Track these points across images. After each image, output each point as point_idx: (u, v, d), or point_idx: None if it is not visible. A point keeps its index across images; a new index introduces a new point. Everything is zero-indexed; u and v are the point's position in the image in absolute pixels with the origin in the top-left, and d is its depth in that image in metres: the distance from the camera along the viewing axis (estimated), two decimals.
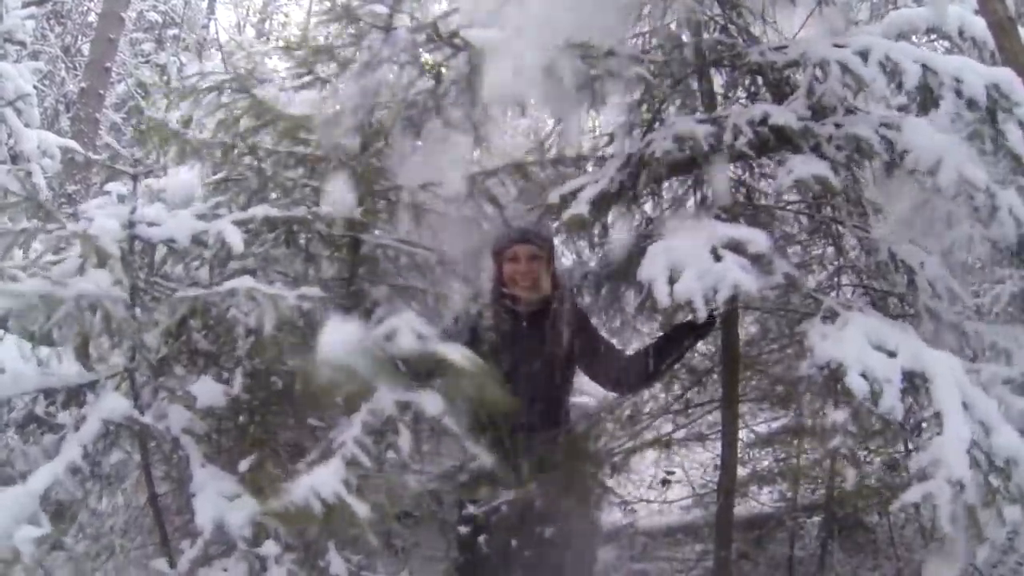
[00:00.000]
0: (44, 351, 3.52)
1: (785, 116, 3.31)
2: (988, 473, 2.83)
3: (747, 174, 4.20)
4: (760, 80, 3.90)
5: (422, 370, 2.78)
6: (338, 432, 2.81)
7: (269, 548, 2.89)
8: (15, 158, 7.20)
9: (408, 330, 2.73)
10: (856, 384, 2.93)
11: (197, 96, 3.62)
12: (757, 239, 3.11)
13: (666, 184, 4.09)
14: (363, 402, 2.79)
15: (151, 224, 3.12)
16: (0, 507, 2.73)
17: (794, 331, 4.00)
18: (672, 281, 3.00)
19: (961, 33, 3.85)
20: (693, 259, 3.02)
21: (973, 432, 2.85)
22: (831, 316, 3.26)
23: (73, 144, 7.78)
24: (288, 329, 3.02)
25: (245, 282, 2.98)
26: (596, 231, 4.12)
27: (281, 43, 4.92)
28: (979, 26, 3.92)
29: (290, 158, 3.66)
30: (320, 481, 2.63)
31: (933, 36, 4.42)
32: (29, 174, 6.92)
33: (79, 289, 2.84)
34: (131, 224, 3.10)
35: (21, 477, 3.27)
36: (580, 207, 3.40)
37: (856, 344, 3.06)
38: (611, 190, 3.49)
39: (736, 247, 3.09)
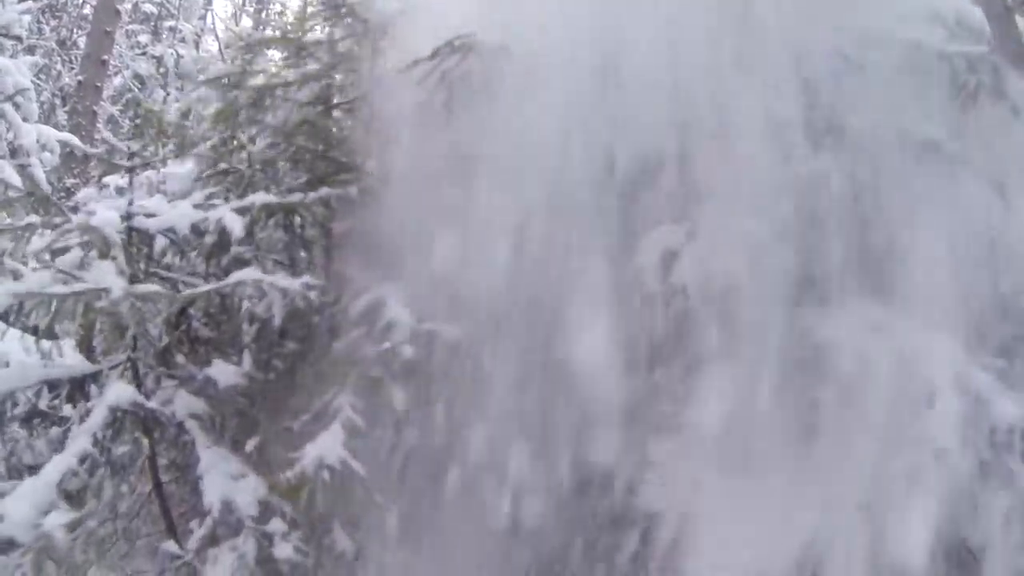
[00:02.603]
0: (46, 344, 3.56)
1: (787, 109, 3.35)
2: (982, 448, 2.87)
3: None
4: None
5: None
6: (331, 396, 2.91)
7: (276, 525, 2.96)
8: (14, 152, 7.21)
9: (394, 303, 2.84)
10: (848, 363, 2.98)
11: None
12: (751, 229, 3.15)
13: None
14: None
15: (149, 215, 3.17)
16: (20, 499, 2.81)
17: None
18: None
19: (959, 22, 3.85)
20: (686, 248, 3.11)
21: (967, 407, 2.89)
22: (827, 299, 3.29)
23: (71, 138, 7.79)
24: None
25: (251, 274, 3.04)
26: None
27: (278, 33, 4.94)
28: (976, 14, 3.92)
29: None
30: (325, 449, 2.77)
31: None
32: (29, 169, 6.93)
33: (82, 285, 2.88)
34: (129, 216, 3.15)
35: (28, 469, 3.32)
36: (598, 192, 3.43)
37: (851, 325, 3.12)
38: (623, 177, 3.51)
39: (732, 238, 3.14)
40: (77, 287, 2.90)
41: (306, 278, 3.13)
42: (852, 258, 3.28)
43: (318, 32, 3.88)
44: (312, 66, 3.78)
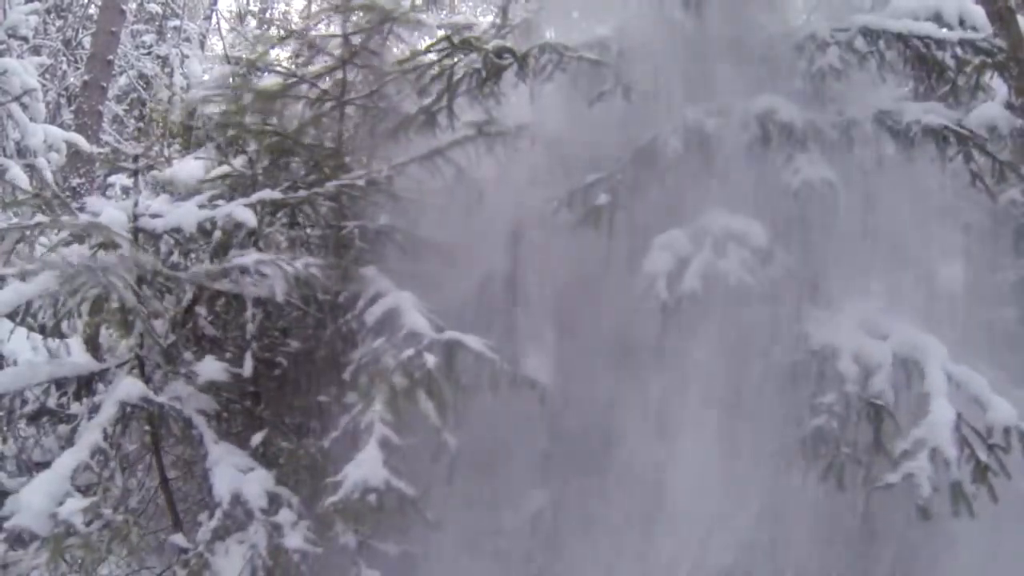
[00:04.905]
0: (54, 342, 3.60)
1: (790, 112, 3.38)
2: (978, 450, 2.88)
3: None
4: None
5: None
6: (359, 410, 2.91)
7: (285, 516, 3.02)
8: (21, 152, 7.25)
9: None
10: (847, 368, 3.01)
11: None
12: (755, 231, 3.17)
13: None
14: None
15: (154, 215, 3.21)
16: (36, 491, 2.86)
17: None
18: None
19: (962, 22, 3.87)
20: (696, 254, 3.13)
21: (961, 412, 2.91)
22: (828, 301, 3.31)
23: (78, 138, 7.82)
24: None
25: (253, 256, 3.09)
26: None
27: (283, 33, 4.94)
28: (979, 14, 3.93)
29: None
30: (368, 472, 2.77)
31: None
32: (36, 169, 6.98)
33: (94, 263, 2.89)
34: (135, 216, 3.19)
35: (37, 467, 3.36)
36: (600, 199, 3.43)
37: (850, 329, 3.14)
38: (623, 182, 3.50)
39: (737, 240, 3.15)
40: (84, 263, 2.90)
41: (306, 259, 3.17)
42: (850, 259, 3.31)
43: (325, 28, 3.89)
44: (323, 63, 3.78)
